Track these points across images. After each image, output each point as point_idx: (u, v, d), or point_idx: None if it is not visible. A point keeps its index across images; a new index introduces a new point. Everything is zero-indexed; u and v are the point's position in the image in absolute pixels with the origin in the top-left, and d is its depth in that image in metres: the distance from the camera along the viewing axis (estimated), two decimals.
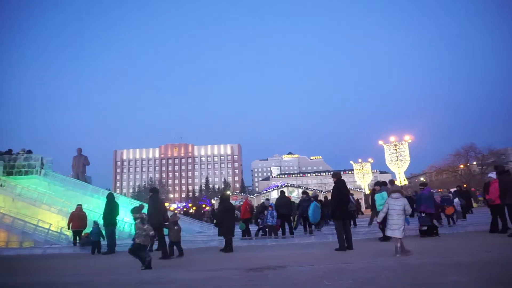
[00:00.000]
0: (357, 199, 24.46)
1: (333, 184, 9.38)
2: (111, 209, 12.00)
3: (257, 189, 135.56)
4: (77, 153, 23.53)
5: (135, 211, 9.81)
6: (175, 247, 9.61)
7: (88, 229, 13.69)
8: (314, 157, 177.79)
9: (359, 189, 51.98)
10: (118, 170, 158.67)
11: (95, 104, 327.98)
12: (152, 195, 10.50)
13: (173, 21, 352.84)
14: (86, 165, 23.71)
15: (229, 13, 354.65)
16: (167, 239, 9.79)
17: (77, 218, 14.28)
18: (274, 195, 59.15)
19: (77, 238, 14.48)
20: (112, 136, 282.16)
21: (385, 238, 10.44)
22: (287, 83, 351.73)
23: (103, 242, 12.14)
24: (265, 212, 13.90)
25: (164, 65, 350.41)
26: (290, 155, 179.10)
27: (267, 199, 16.67)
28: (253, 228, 15.13)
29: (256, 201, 50.15)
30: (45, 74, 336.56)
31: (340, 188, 9.14)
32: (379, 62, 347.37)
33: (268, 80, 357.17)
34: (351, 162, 58.37)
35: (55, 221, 17.17)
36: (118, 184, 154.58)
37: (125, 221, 19.28)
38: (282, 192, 15.07)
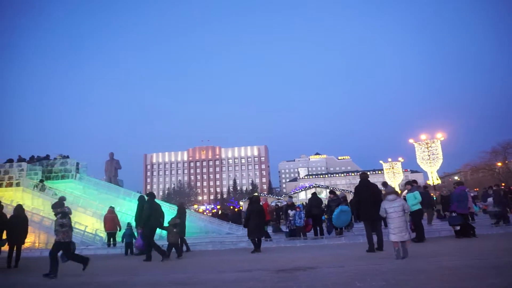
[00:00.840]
0: None
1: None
2: (142, 211, 12.23)
3: (284, 190, 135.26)
4: (109, 158, 24.30)
5: (56, 206, 9.17)
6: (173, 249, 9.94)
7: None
8: (342, 157, 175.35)
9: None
10: (149, 173, 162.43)
11: (126, 110, 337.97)
12: (149, 199, 10.75)
13: (202, 24, 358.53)
14: (118, 169, 24.45)
15: (254, 13, 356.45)
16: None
17: (110, 220, 14.80)
18: (302, 196, 58.84)
19: (111, 239, 14.98)
20: (142, 141, 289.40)
21: (419, 239, 10.20)
22: (313, 83, 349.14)
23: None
24: (289, 212, 13.67)
25: (190, 69, 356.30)
26: (317, 156, 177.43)
27: (290, 197, 16.55)
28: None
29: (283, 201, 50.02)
30: (76, 81, 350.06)
31: (360, 189, 9.06)
32: (408, 59, 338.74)
33: (294, 81, 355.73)
34: (381, 161, 57.03)
35: (90, 223, 17.80)
36: (148, 187, 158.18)
37: None
38: (314, 194, 14.52)
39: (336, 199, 13.99)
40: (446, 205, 16.55)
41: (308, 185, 62.54)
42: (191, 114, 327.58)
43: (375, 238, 8.75)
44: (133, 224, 13.08)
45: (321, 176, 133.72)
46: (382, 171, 61.10)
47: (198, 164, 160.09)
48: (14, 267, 9.67)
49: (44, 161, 23.02)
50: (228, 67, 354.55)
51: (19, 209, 10.75)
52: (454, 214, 10.67)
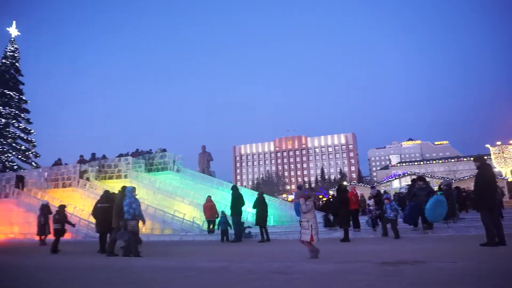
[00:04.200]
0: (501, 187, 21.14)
1: (475, 170, 8.15)
2: (236, 200, 12.67)
3: (375, 179, 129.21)
4: (201, 150, 25.57)
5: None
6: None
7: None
8: (439, 142, 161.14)
9: (499, 176, 45.06)
10: (238, 164, 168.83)
11: (215, 105, 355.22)
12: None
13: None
14: (210, 160, 25.61)
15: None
16: None
17: (209, 208, 15.60)
18: (396, 184, 55.45)
19: (211, 226, 15.81)
20: (231, 133, 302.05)
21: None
22: (404, 64, 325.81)
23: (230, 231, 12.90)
24: (368, 202, 12.57)
25: (273, 57, 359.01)
26: (410, 142, 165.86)
27: (373, 187, 15.36)
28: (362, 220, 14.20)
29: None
30: (176, 84, 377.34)
31: (485, 173, 7.85)
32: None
33: (382, 65, 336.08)
34: (488, 145, 51.02)
35: (188, 211, 18.97)
36: (238, 177, 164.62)
37: (248, 212, 20.21)
38: (414, 180, 12.79)
39: (426, 187, 11.81)
40: None
41: (401, 173, 58.63)
42: (277, 105, 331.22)
43: None
44: (227, 213, 13.60)
45: (416, 163, 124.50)
46: (489, 156, 54.53)
47: (285, 154, 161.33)
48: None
49: (146, 155, 25.21)
50: (312, 55, 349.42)
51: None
52: None
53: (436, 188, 16.60)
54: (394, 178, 56.30)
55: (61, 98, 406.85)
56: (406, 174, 53.20)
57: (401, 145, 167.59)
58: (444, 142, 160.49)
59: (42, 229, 13.91)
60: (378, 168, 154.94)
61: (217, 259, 8.12)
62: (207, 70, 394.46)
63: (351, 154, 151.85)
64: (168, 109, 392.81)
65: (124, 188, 9.40)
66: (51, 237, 12.86)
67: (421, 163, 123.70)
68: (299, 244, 10.58)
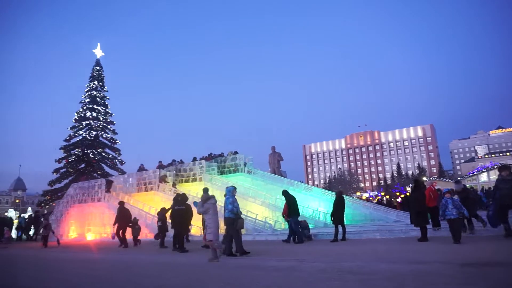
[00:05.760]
0: None
1: None
2: (293, 202, 12.92)
3: (459, 173, 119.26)
4: (271, 151, 25.87)
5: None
6: None
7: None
8: None
9: None
10: (308, 163, 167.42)
11: (282, 104, 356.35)
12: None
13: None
14: (280, 160, 25.78)
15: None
16: None
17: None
18: (484, 178, 50.66)
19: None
20: (300, 132, 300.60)
21: None
22: (484, 45, 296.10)
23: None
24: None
25: (339, 56, 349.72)
26: (500, 130, 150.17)
27: (457, 181, 13.92)
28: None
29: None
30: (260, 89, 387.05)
31: None
32: None
33: (460, 49, 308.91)
34: None
35: (260, 212, 19.35)
36: (310, 176, 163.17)
37: (320, 211, 20.01)
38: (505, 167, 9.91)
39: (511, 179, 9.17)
40: None
41: (490, 165, 53.29)
42: (346, 100, 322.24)
43: None
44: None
45: (508, 153, 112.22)
46: None
47: (357, 150, 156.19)
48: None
49: (218, 158, 26.24)
50: (379, 44, 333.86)
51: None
52: None
53: None
54: (481, 171, 51.59)
55: (139, 108, 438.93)
56: (495, 167, 48.37)
57: (489, 134, 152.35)
58: None
59: (163, 229, 14.27)
60: (462, 161, 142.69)
61: (289, 258, 8.22)
62: (273, 69, 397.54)
63: (430, 147, 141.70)
64: (239, 109, 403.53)
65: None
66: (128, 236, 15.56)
67: None
68: (372, 244, 10.29)
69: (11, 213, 41.64)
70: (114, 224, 15.74)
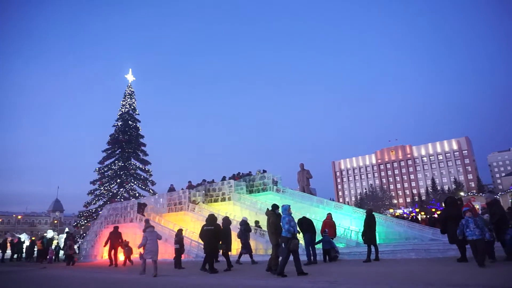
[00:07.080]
0: None
1: None
2: (309, 224, 12.99)
3: (500, 187, 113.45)
4: (300, 168, 25.66)
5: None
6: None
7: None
8: None
9: None
10: (338, 180, 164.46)
11: (310, 122, 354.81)
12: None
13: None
14: (309, 178, 25.50)
15: None
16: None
17: (330, 226, 15.41)
18: None
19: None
20: (329, 148, 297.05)
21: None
22: None
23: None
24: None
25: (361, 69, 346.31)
26: None
27: (490, 191, 13.20)
28: None
29: (501, 201, 41.77)
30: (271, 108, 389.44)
31: None
32: None
33: (491, 58, 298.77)
34: None
35: None
36: (340, 193, 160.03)
37: (351, 229, 19.50)
38: None
39: None
40: None
41: None
42: (375, 115, 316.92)
43: None
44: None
45: None
46: None
47: (388, 166, 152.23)
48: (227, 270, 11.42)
49: (247, 177, 26.31)
50: (413, 60, 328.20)
51: (227, 220, 13.16)
52: None
53: None
54: None
55: (168, 129, 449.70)
56: None
57: None
58: None
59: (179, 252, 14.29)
60: (503, 174, 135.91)
61: (320, 280, 8.01)
62: (300, 85, 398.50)
63: (467, 161, 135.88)
64: (269, 126, 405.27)
65: (274, 206, 9.93)
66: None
67: None
68: (407, 265, 9.89)
69: (50, 234, 43.16)
70: (105, 245, 17.78)
